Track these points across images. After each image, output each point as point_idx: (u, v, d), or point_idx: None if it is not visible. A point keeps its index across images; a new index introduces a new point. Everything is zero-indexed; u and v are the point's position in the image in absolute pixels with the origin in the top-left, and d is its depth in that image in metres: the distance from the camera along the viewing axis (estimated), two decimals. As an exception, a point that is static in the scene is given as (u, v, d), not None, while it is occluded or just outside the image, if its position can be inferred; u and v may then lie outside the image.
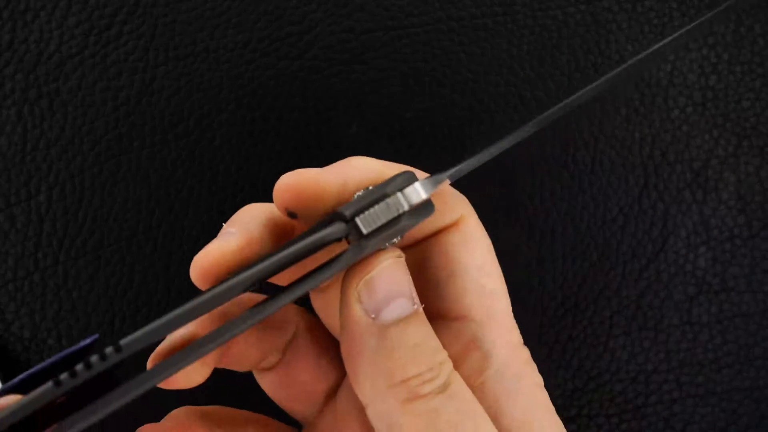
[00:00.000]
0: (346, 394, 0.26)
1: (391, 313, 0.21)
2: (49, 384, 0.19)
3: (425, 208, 0.22)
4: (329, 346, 0.27)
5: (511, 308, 0.24)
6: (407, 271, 0.22)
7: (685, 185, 0.35)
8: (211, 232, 0.33)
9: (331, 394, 0.27)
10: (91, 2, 0.33)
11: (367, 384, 0.21)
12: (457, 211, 0.24)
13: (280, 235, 0.23)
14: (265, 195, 0.34)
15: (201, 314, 0.20)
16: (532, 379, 0.23)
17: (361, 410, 0.25)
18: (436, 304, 0.24)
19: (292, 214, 0.22)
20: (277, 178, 0.32)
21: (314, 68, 0.34)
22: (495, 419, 0.22)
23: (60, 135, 0.33)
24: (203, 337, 0.20)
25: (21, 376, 0.19)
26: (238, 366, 0.25)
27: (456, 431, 0.20)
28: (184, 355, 0.20)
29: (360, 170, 0.23)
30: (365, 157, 0.23)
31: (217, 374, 0.28)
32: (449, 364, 0.21)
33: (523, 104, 0.35)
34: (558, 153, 0.35)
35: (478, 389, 0.23)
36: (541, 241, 0.35)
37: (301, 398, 0.27)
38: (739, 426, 0.35)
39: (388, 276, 0.21)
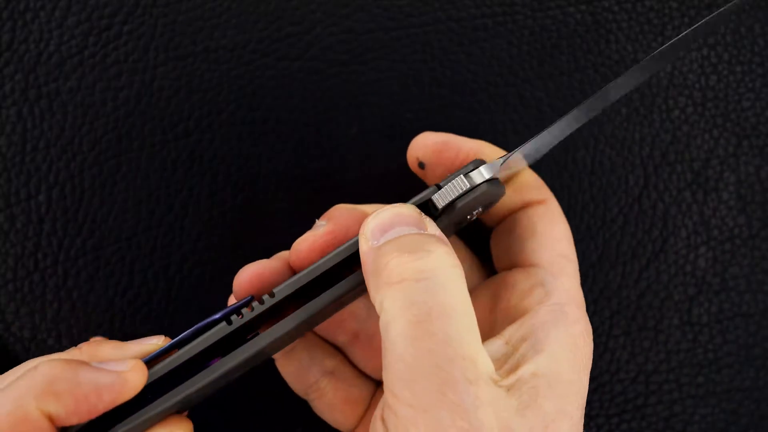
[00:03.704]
0: None
1: (386, 237, 0.24)
2: (222, 324, 0.25)
3: (497, 187, 0.27)
4: None
5: (578, 278, 0.29)
6: (413, 211, 0.25)
7: (685, 185, 0.35)
8: (211, 232, 0.33)
9: None
10: (91, 2, 0.33)
11: (373, 292, 0.24)
12: (543, 194, 0.30)
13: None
14: (265, 195, 0.34)
15: (311, 278, 0.26)
16: (579, 329, 0.26)
17: None
18: (520, 256, 0.29)
19: (421, 165, 0.30)
20: (277, 178, 0.34)
21: (314, 69, 0.34)
22: (534, 339, 0.25)
23: (60, 135, 0.33)
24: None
25: (187, 332, 0.25)
26: None
27: (418, 328, 0.23)
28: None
29: (485, 148, 0.29)
30: (492, 145, 0.30)
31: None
32: (443, 258, 0.24)
33: (523, 104, 0.35)
34: (558, 153, 0.35)
35: (533, 313, 0.26)
36: (541, 241, 0.35)
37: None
38: (739, 426, 0.35)
39: (389, 215, 0.25)
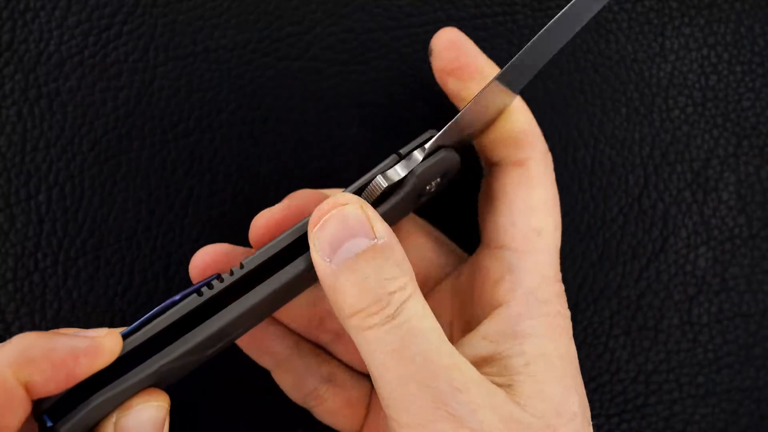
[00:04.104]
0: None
1: (341, 255, 0.24)
2: (194, 295, 0.25)
3: (451, 155, 0.27)
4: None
5: (558, 248, 0.28)
6: (362, 213, 0.24)
7: (685, 185, 0.35)
8: (211, 232, 0.33)
9: (439, 276, 0.31)
10: (91, 2, 0.33)
11: (335, 313, 0.25)
12: (526, 152, 0.28)
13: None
14: (265, 195, 0.34)
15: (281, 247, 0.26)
16: (554, 307, 0.26)
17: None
18: (489, 234, 0.28)
19: (430, 52, 0.30)
20: (277, 178, 0.34)
21: (314, 68, 0.34)
22: (513, 333, 0.26)
23: (60, 135, 0.33)
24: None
25: (152, 312, 0.25)
26: None
27: (396, 356, 0.23)
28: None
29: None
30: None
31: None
32: (402, 293, 0.24)
33: (523, 104, 0.35)
34: (558, 153, 0.35)
35: (506, 306, 0.26)
36: (541, 241, 0.35)
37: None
38: (739, 426, 0.35)
39: (336, 224, 0.24)
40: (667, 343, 0.35)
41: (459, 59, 0.29)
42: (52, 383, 0.23)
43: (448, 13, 0.35)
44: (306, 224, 0.26)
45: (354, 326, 0.24)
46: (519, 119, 0.29)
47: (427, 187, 0.27)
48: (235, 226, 0.34)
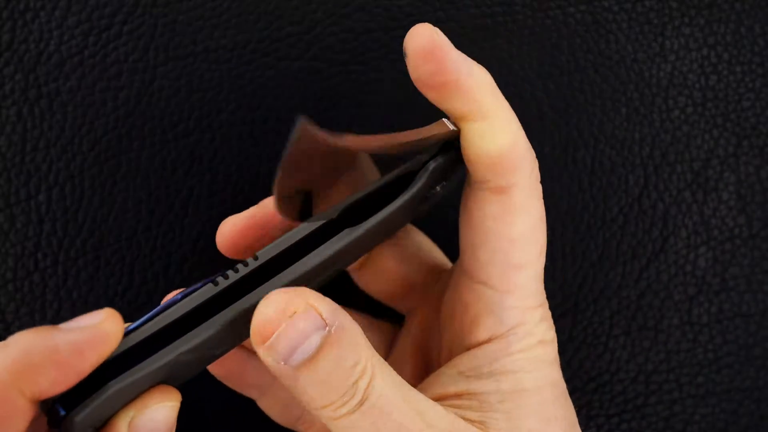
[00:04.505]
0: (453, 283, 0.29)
1: (297, 357, 0.22)
2: (209, 284, 0.24)
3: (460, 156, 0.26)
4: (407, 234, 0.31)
5: (541, 271, 0.26)
6: (309, 308, 0.22)
7: (685, 185, 0.35)
8: (211, 232, 0.33)
9: (427, 282, 0.31)
10: (91, 2, 0.33)
11: (304, 405, 0.24)
12: (508, 178, 0.25)
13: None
14: (265, 195, 0.34)
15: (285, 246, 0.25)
16: (535, 337, 0.26)
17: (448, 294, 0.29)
18: (470, 263, 0.26)
19: (405, 56, 0.25)
20: (277, 177, 0.34)
21: (314, 69, 0.34)
22: (490, 371, 0.25)
23: (60, 135, 0.33)
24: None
25: (149, 314, 0.24)
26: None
27: None
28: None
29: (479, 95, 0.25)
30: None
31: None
32: (366, 378, 0.23)
33: (523, 104, 0.35)
34: (558, 153, 0.35)
35: (485, 346, 0.26)
36: (541, 241, 0.35)
37: (393, 287, 0.31)
38: (739, 426, 0.35)
39: (287, 337, 0.22)
40: (667, 343, 0.35)
41: (438, 75, 0.25)
42: (60, 384, 0.21)
43: (448, 14, 0.35)
44: (332, 212, 0.25)
45: (324, 416, 0.23)
46: (500, 139, 0.25)
47: (438, 188, 0.27)
48: (235, 226, 0.34)
